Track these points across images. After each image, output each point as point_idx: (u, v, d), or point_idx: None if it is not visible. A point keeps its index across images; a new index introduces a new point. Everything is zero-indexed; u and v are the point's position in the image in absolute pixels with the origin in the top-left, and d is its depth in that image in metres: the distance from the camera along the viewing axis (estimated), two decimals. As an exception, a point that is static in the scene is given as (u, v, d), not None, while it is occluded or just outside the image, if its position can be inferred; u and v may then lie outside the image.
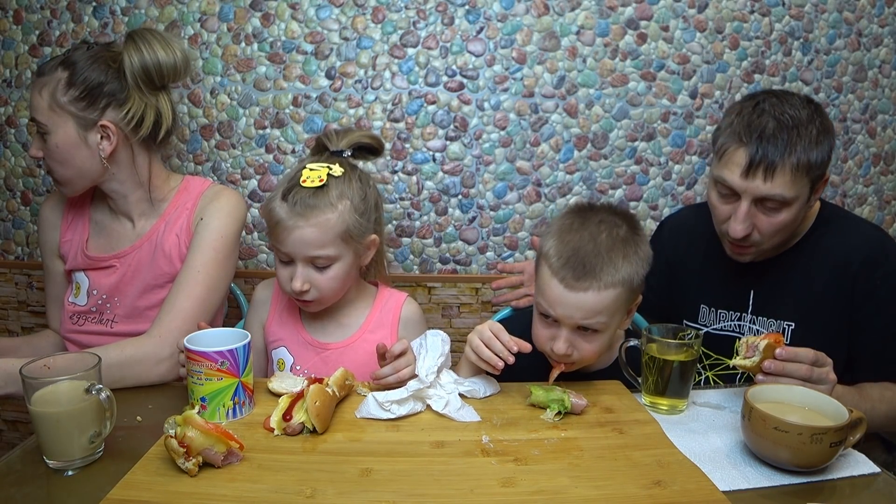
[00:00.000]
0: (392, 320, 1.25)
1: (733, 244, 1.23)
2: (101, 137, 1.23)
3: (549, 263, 1.05)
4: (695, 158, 1.76)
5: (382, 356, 1.09)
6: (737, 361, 1.04)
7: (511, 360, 1.04)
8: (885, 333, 1.21)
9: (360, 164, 1.31)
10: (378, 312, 1.26)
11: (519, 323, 1.25)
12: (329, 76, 1.69)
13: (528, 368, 1.14)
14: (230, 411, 0.99)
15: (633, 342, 1.10)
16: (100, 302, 1.32)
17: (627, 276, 1.04)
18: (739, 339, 1.09)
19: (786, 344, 1.17)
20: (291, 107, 1.70)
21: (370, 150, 1.29)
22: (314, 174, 1.13)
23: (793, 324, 1.27)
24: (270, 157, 1.72)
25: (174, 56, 1.26)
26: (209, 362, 0.96)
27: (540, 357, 1.21)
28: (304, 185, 1.12)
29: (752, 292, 1.31)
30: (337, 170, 1.15)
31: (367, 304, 1.28)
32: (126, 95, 1.24)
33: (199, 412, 0.98)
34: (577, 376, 1.19)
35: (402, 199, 1.75)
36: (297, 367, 1.24)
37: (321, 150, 1.27)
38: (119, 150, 1.25)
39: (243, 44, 1.68)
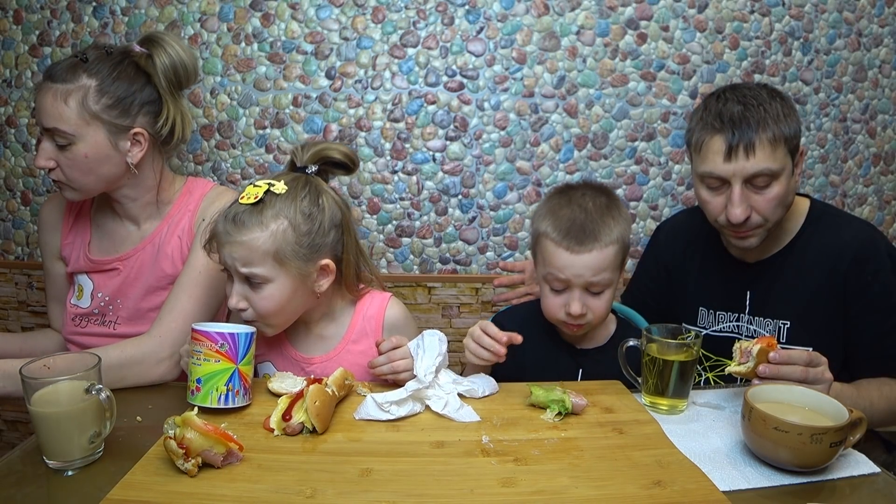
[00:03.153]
0: (375, 327, 1.22)
1: (735, 231, 1.22)
2: (131, 144, 1.23)
3: (551, 238, 1.15)
4: (695, 158, 1.76)
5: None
6: (731, 368, 1.04)
7: (502, 351, 1.09)
8: (879, 328, 1.22)
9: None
10: (360, 321, 1.22)
11: (518, 315, 1.33)
12: (329, 76, 1.69)
13: (535, 362, 1.22)
14: (223, 397, 0.99)
15: (633, 342, 1.10)
16: (102, 304, 1.32)
17: (620, 235, 1.16)
18: (737, 340, 1.09)
19: (780, 344, 1.17)
20: (291, 107, 1.70)
21: (339, 165, 1.20)
22: (253, 191, 1.08)
23: (789, 323, 1.27)
24: (270, 157, 1.72)
25: (191, 56, 1.28)
26: (210, 342, 0.98)
27: (545, 355, 1.25)
28: (241, 201, 1.08)
29: (748, 293, 1.32)
30: (280, 187, 1.09)
31: (348, 315, 1.23)
32: (161, 102, 1.25)
33: (192, 394, 0.99)
34: (578, 373, 1.19)
35: (402, 199, 1.75)
36: None
37: (293, 164, 1.20)
38: (145, 156, 1.26)
39: (243, 44, 1.68)
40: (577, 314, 1.14)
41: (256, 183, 1.10)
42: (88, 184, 1.23)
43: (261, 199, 1.07)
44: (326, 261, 1.13)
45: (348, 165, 1.20)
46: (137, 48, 1.26)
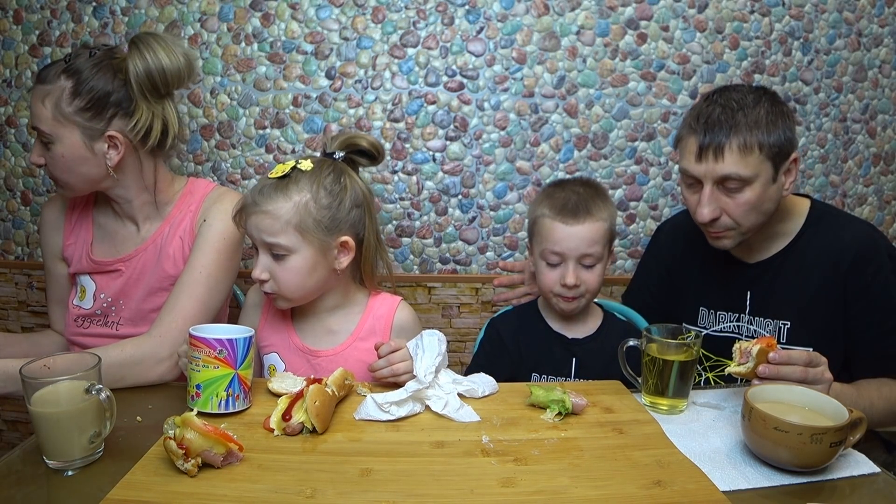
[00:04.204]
0: (384, 327, 1.23)
1: (708, 230, 1.25)
2: (108, 147, 1.22)
3: (548, 216, 1.25)
4: (695, 158, 1.76)
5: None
6: (731, 369, 1.04)
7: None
8: (879, 329, 1.22)
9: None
10: (369, 319, 1.24)
11: (513, 316, 1.39)
12: (329, 76, 1.69)
13: (531, 356, 1.29)
14: (223, 402, 0.99)
15: (632, 342, 1.10)
16: (104, 305, 1.32)
17: (609, 216, 1.27)
18: (737, 340, 1.09)
19: (781, 344, 1.17)
20: (291, 107, 1.70)
21: (363, 153, 1.26)
22: (281, 167, 1.17)
23: (789, 323, 1.27)
24: (270, 157, 1.72)
25: (178, 61, 1.23)
26: (208, 349, 0.98)
27: (540, 348, 1.30)
28: (269, 176, 1.17)
29: (749, 293, 1.32)
30: (306, 164, 1.17)
31: (358, 311, 1.26)
32: (134, 106, 1.22)
33: (192, 399, 0.99)
34: (572, 362, 1.19)
35: (402, 199, 1.75)
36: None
37: (324, 152, 1.28)
38: (126, 159, 1.24)
39: (243, 44, 1.68)
40: (572, 284, 1.23)
41: (286, 162, 1.19)
42: (71, 182, 1.24)
43: (287, 175, 1.15)
44: (346, 237, 1.18)
45: (373, 154, 1.27)
46: (124, 49, 1.25)
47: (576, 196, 1.26)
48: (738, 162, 1.15)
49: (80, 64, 1.19)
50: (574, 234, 1.22)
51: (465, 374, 1.17)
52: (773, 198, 1.21)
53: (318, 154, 1.28)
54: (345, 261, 1.19)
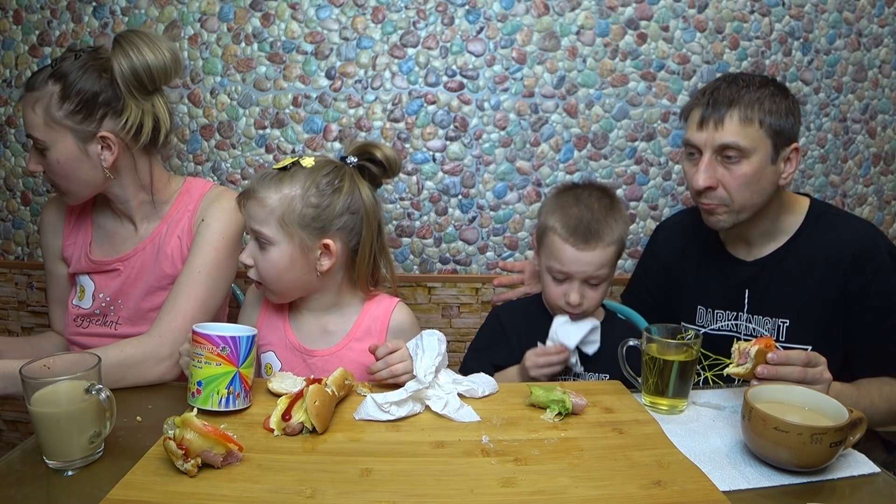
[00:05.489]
0: (380, 328, 1.23)
1: (703, 204, 1.26)
2: (102, 148, 1.22)
3: (559, 234, 1.25)
4: (695, 158, 1.76)
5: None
6: (730, 370, 1.04)
7: (565, 355, 1.23)
8: (879, 328, 1.22)
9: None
10: (365, 320, 1.24)
11: (517, 307, 1.43)
12: (329, 76, 1.69)
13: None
14: (223, 400, 0.99)
15: (632, 342, 1.10)
16: (103, 304, 1.32)
17: (620, 236, 1.26)
18: (736, 340, 1.09)
19: (780, 343, 1.17)
20: (291, 107, 1.70)
21: (378, 164, 1.25)
22: (285, 161, 1.19)
23: (787, 321, 1.27)
24: (270, 157, 1.72)
25: (163, 57, 1.23)
26: (211, 345, 0.98)
27: (543, 342, 1.29)
28: (273, 167, 1.19)
29: (747, 292, 1.32)
30: (307, 161, 1.18)
31: (354, 312, 1.25)
32: (122, 104, 1.21)
33: (193, 396, 0.99)
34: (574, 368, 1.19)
35: (402, 199, 1.75)
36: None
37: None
38: (120, 158, 1.24)
39: (243, 44, 1.68)
40: (576, 303, 1.24)
41: (293, 156, 1.21)
42: (71, 188, 1.24)
43: (286, 168, 1.17)
44: (330, 240, 1.17)
45: (385, 167, 1.26)
46: (109, 49, 1.24)
47: (589, 214, 1.24)
48: (737, 132, 1.18)
49: (66, 67, 1.18)
50: (583, 259, 1.23)
51: (462, 360, 1.17)
52: (770, 179, 1.22)
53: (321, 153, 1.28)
54: (326, 263, 1.18)
